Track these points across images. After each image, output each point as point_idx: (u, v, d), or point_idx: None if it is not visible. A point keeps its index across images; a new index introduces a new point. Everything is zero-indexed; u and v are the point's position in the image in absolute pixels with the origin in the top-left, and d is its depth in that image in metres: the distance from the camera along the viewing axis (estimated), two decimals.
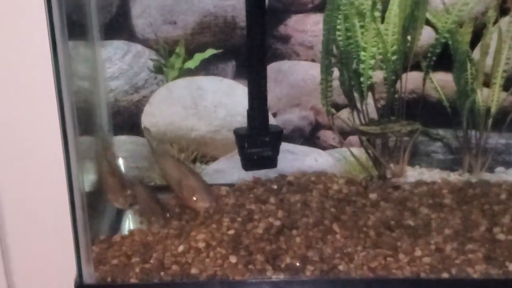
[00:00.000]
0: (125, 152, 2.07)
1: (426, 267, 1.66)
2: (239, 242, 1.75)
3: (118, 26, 2.00)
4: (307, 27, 2.03)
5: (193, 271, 1.67)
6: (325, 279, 1.65)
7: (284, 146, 2.05)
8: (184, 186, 1.87)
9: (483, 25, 1.98)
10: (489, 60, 2.01)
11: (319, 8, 2.00)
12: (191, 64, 2.02)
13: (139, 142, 2.08)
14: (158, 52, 2.02)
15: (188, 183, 1.88)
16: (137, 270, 1.66)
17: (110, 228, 1.89)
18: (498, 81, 2.00)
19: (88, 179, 1.75)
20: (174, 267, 1.67)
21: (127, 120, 2.07)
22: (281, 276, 1.66)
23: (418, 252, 1.71)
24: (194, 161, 2.11)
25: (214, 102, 2.06)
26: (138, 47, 2.01)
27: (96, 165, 1.93)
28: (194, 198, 1.86)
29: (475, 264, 1.66)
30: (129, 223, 1.93)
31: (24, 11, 1.59)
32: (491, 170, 2.12)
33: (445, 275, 1.64)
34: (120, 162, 2.08)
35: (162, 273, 1.67)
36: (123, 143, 2.07)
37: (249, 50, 1.92)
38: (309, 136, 2.12)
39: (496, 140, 2.08)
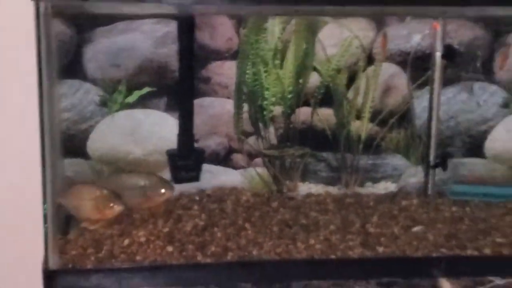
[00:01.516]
0: (72, 172, 2.28)
1: (318, 251, 1.92)
2: (173, 236, 1.97)
3: (72, 68, 2.25)
4: (224, 71, 2.32)
5: (138, 258, 1.87)
6: (242, 261, 1.88)
7: (204, 166, 2.30)
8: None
9: (355, 72, 2.34)
10: (359, 99, 2.36)
11: (233, 57, 2.31)
12: (131, 99, 2.28)
13: (84, 164, 2.30)
14: (104, 89, 2.27)
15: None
16: (92, 258, 1.86)
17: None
18: (367, 115, 2.35)
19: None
20: (122, 256, 1.88)
21: (76, 145, 2.28)
22: (209, 260, 1.87)
23: (311, 241, 1.96)
24: None
25: (149, 130, 2.31)
26: (87, 85, 2.26)
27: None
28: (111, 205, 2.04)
29: (354, 249, 1.93)
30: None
31: (18, 61, 1.93)
32: (362, 184, 2.44)
33: (332, 256, 1.91)
34: None
35: (112, 260, 1.86)
36: (71, 164, 2.28)
37: (180, 88, 2.21)
38: (223, 158, 2.39)
39: (365, 161, 2.41)
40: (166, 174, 2.25)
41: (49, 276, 1.81)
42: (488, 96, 2.40)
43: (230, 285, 1.84)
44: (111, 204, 2.01)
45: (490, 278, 1.87)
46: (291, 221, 2.11)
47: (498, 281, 1.86)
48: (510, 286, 1.82)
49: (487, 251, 1.94)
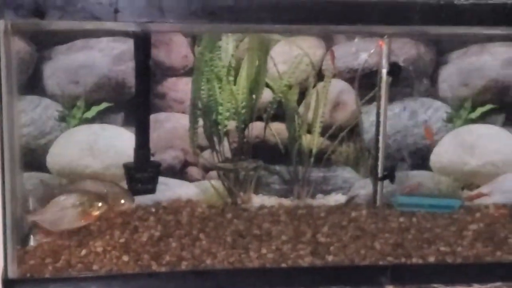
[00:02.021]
0: (31, 186, 2.31)
1: (269, 260, 1.98)
2: (129, 247, 2.02)
3: (32, 85, 2.30)
4: (179, 87, 2.39)
5: (95, 267, 1.92)
6: (196, 270, 1.93)
7: (160, 179, 2.34)
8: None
9: (306, 88, 2.41)
10: (310, 114, 2.42)
11: (188, 73, 2.37)
12: (89, 114, 2.33)
13: (43, 178, 2.34)
14: (63, 105, 2.32)
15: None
16: (50, 268, 1.91)
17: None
18: (317, 129, 2.43)
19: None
20: (79, 265, 1.92)
21: (35, 159, 2.33)
22: (163, 269, 1.92)
23: (263, 251, 2.02)
24: None
25: (106, 144, 2.36)
26: (47, 101, 2.31)
27: None
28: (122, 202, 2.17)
29: (304, 257, 1.99)
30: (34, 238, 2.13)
31: None
32: (313, 196, 2.50)
33: (283, 265, 1.97)
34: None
35: (70, 270, 1.90)
36: (30, 178, 2.31)
37: (137, 103, 2.26)
38: (179, 172, 2.44)
39: (317, 173, 2.49)
40: (123, 187, 2.30)
41: (8, 285, 1.85)
42: (432, 111, 2.50)
43: None
44: (99, 204, 2.08)
45: (434, 285, 1.94)
46: (244, 232, 2.17)
47: None
48: None
49: (432, 259, 2.02)
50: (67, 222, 2.07)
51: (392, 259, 2.02)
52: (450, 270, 2.00)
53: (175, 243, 2.07)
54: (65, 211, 2.06)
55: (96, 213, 2.07)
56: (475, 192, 2.53)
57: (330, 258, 2.02)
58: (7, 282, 1.85)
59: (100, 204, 2.07)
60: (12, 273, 1.88)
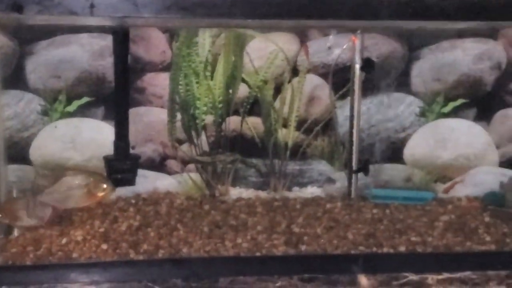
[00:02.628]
0: (15, 178, 2.37)
1: (244, 249, 2.02)
2: (108, 236, 2.06)
3: (15, 79, 2.35)
4: (158, 82, 2.45)
5: (74, 255, 1.96)
6: (173, 258, 1.96)
7: (139, 172, 2.35)
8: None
9: (281, 83, 2.46)
10: (286, 108, 2.47)
11: (166, 68, 2.44)
12: (70, 108, 2.39)
13: (26, 170, 2.40)
14: (45, 99, 2.38)
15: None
16: (31, 255, 1.95)
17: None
18: (293, 123, 2.48)
19: None
20: (60, 253, 1.96)
21: (19, 152, 2.39)
22: (141, 257, 1.96)
23: (239, 240, 2.06)
24: None
25: (87, 137, 2.42)
26: (30, 95, 2.37)
27: None
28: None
29: (278, 247, 2.03)
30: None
31: None
32: (289, 189, 2.56)
33: (258, 254, 2.00)
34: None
35: (50, 257, 1.94)
36: (14, 170, 2.37)
37: (116, 98, 2.28)
38: (158, 164, 2.50)
39: (292, 166, 2.54)
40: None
41: None
42: (405, 106, 2.56)
43: (162, 281, 1.90)
44: (104, 186, 2.14)
45: (405, 274, 1.97)
46: (221, 222, 2.21)
47: (412, 276, 1.96)
48: (423, 282, 1.94)
49: (402, 249, 2.06)
50: (74, 201, 2.13)
51: (364, 248, 2.06)
52: (421, 259, 2.04)
53: (153, 233, 2.10)
54: (72, 191, 2.12)
55: (100, 194, 2.13)
56: (448, 183, 2.60)
57: (303, 247, 2.05)
58: None
59: (105, 185, 2.13)
60: None
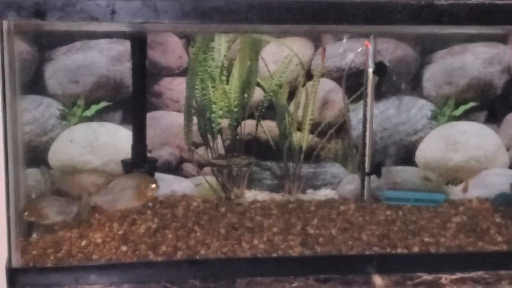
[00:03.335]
0: (34, 182, 2.37)
1: (261, 250, 2.04)
2: (127, 238, 2.09)
3: (35, 84, 2.36)
4: (174, 86, 2.45)
5: (94, 257, 1.99)
6: (191, 259, 1.99)
7: (156, 175, 2.40)
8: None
9: (296, 87, 2.47)
10: (300, 112, 2.48)
11: (183, 73, 2.44)
12: (89, 113, 2.40)
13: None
14: (63, 104, 2.39)
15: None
16: (52, 257, 1.97)
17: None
18: (307, 126, 2.48)
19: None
20: (79, 255, 1.99)
21: (38, 156, 2.40)
22: (159, 259, 1.99)
23: (255, 242, 2.08)
24: None
25: (105, 141, 2.43)
26: (48, 100, 2.38)
27: None
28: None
29: (294, 247, 2.05)
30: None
31: None
32: (303, 191, 2.56)
33: (274, 254, 2.03)
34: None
35: (70, 259, 1.97)
36: (33, 174, 2.37)
37: (133, 102, 2.33)
38: (175, 168, 2.50)
39: (306, 169, 2.54)
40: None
41: (12, 274, 1.90)
42: (417, 109, 2.57)
43: (180, 281, 1.93)
44: (153, 185, 2.16)
45: (419, 274, 1.99)
46: (237, 224, 2.23)
47: (426, 276, 1.98)
48: (437, 281, 1.95)
49: (416, 249, 2.08)
50: (125, 202, 2.16)
51: (378, 249, 2.07)
52: (434, 260, 2.05)
53: (171, 235, 2.13)
54: (124, 192, 2.14)
55: (150, 193, 2.16)
56: (463, 184, 2.61)
57: (318, 248, 2.08)
58: (11, 271, 1.90)
59: (153, 185, 2.15)
60: (16, 263, 1.93)
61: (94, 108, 2.40)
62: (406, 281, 1.96)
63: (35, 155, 2.39)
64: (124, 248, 2.04)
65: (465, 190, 2.57)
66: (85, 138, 2.42)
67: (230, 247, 2.06)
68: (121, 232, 2.13)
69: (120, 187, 2.15)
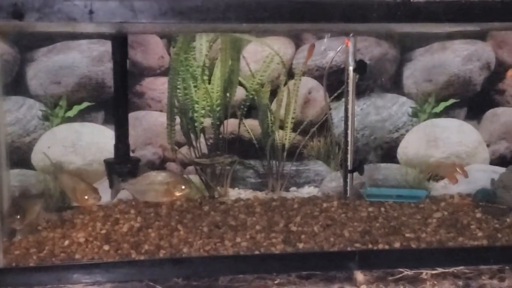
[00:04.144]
0: (18, 182, 2.37)
1: (243, 248, 2.03)
2: (110, 237, 2.08)
3: (17, 85, 2.35)
4: (156, 86, 2.44)
5: (77, 256, 1.97)
6: (173, 258, 1.97)
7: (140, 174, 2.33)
8: (77, 189, 2.15)
9: (278, 86, 2.46)
10: (282, 111, 2.47)
11: (165, 73, 2.43)
12: (71, 113, 2.39)
13: (28, 174, 2.39)
14: (45, 105, 2.37)
15: (80, 187, 2.15)
16: (35, 257, 1.96)
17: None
18: (289, 125, 2.48)
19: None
20: (62, 255, 1.97)
21: (20, 157, 2.38)
22: (142, 257, 1.97)
23: (238, 240, 2.07)
24: None
25: (88, 142, 2.42)
26: (31, 101, 2.36)
27: None
28: (86, 197, 2.12)
29: (276, 245, 2.04)
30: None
31: None
32: (287, 189, 2.56)
33: (256, 252, 2.02)
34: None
35: (53, 259, 1.95)
36: (16, 175, 2.37)
37: (115, 102, 2.31)
38: (158, 167, 2.49)
39: (289, 167, 2.54)
40: (105, 182, 2.35)
41: None
42: (398, 106, 2.56)
43: (163, 280, 1.91)
44: (182, 187, 2.11)
45: (400, 269, 1.98)
46: (221, 223, 2.22)
47: (407, 272, 1.97)
48: (417, 277, 1.95)
49: (397, 245, 2.07)
50: (152, 196, 2.14)
51: (360, 245, 2.07)
52: (415, 255, 2.04)
53: (154, 234, 2.12)
54: (152, 186, 2.12)
55: (178, 194, 2.11)
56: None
57: (301, 245, 2.06)
58: None
59: (183, 187, 2.11)
60: None
61: (76, 109, 2.39)
62: (388, 276, 1.94)
63: (18, 156, 2.37)
64: (106, 247, 2.02)
65: (465, 175, 2.56)
66: (67, 138, 2.40)
67: (213, 245, 2.05)
68: (103, 231, 2.12)
69: (149, 181, 2.13)
